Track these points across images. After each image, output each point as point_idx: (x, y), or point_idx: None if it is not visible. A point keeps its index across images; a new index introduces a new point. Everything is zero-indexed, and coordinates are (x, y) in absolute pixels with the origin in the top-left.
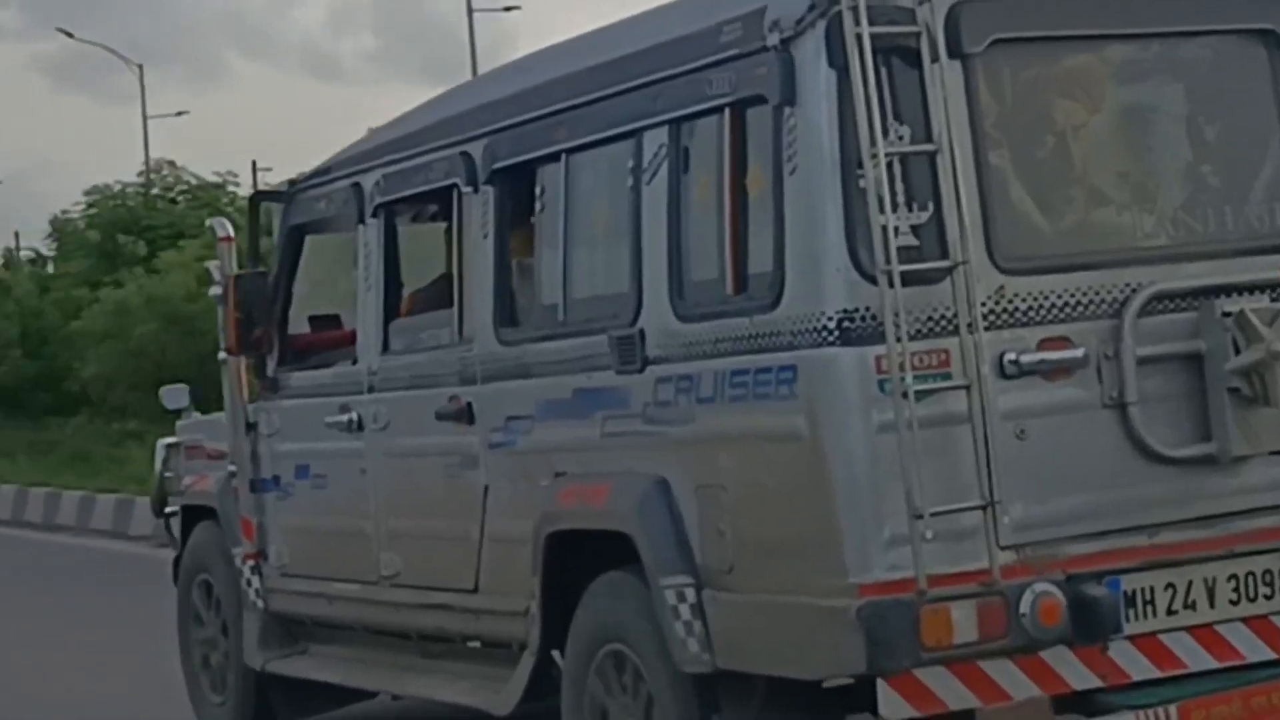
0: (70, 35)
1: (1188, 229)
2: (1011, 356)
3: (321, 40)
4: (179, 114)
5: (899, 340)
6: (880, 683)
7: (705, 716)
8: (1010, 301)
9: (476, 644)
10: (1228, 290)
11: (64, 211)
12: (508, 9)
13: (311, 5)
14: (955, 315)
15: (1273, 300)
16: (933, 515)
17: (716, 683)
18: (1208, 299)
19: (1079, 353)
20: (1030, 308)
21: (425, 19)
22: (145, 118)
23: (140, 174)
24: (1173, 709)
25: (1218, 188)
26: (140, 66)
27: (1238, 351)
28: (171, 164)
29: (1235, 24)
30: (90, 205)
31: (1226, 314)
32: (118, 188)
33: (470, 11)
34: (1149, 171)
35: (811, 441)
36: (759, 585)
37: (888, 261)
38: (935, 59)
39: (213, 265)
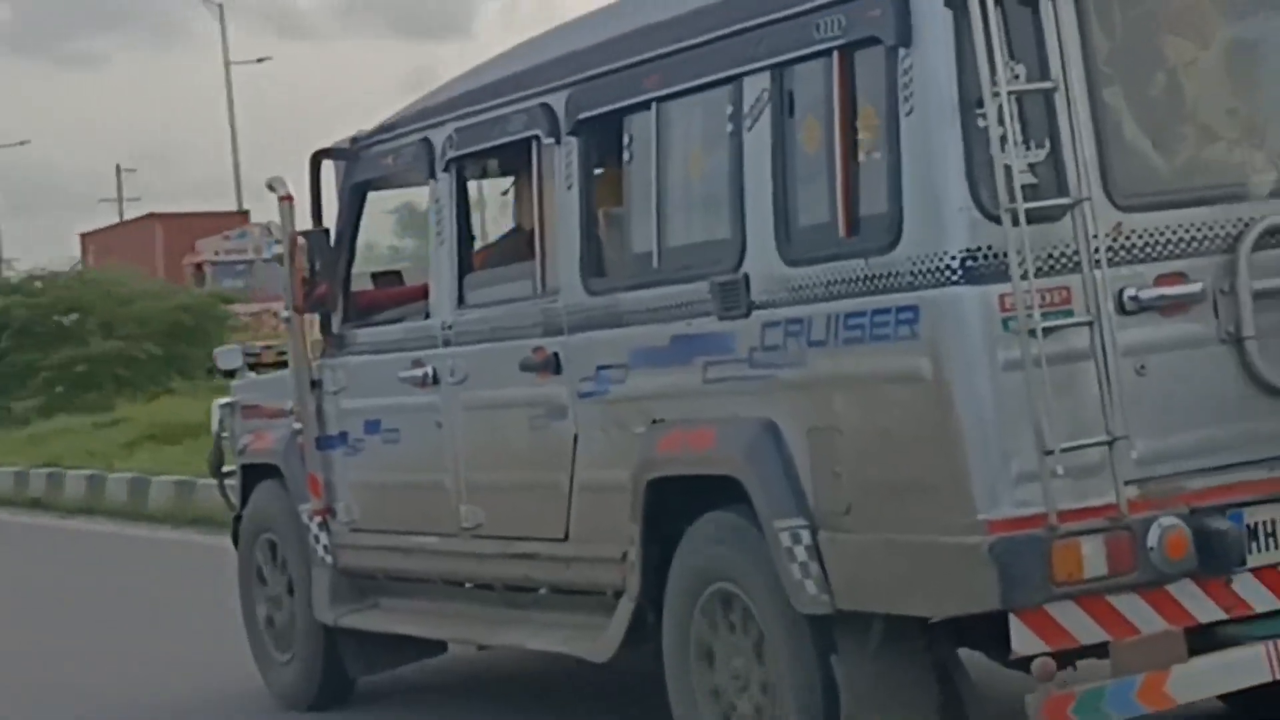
0: None
1: None
2: (1131, 293)
3: None
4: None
5: (1024, 277)
6: (1012, 617)
7: (823, 657)
8: (1127, 238)
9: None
10: None
11: None
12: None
13: None
14: (1075, 252)
15: None
16: (1063, 451)
17: (833, 623)
18: None
19: (1196, 288)
20: (1147, 244)
21: None
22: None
23: None
24: None
25: None
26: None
27: None
28: None
29: None
30: None
31: None
32: None
33: None
34: (1258, 107)
35: (935, 381)
36: (879, 525)
37: (1011, 199)
38: None
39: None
